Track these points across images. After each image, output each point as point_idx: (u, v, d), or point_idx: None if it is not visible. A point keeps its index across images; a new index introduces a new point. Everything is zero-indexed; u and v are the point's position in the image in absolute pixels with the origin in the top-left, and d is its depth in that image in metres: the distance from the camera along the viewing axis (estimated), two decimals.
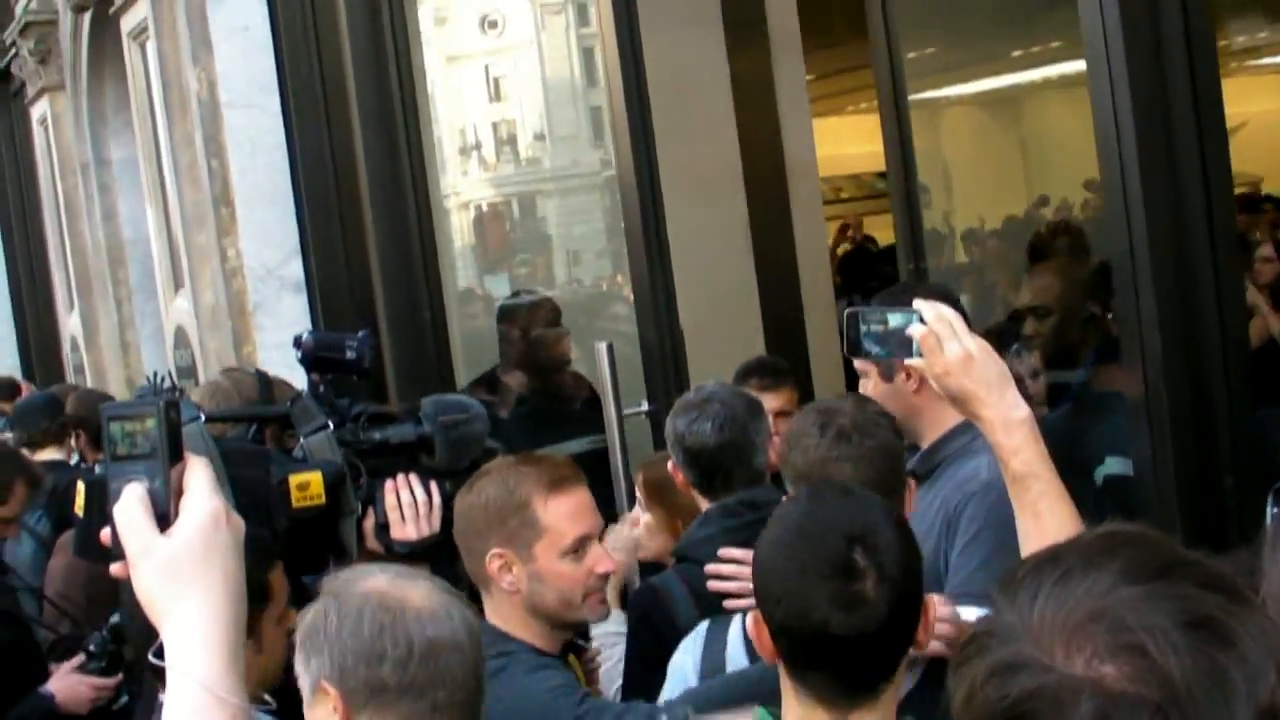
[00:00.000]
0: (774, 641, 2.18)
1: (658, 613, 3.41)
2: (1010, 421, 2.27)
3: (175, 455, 1.63)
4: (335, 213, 6.15)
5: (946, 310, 2.35)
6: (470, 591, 3.11)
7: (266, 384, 4.37)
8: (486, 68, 17.99)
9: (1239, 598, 1.28)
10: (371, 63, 5.87)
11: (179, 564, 1.58)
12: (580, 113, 18.78)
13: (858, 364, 3.35)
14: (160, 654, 1.58)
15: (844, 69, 13.63)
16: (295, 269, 6.30)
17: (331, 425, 3.22)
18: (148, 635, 1.66)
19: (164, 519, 1.61)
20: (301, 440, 3.22)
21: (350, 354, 3.38)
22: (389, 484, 3.24)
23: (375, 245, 6.04)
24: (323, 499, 3.07)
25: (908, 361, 2.39)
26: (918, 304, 2.35)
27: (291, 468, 3.11)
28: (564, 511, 2.92)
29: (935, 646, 2.39)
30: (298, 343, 3.40)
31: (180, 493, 1.62)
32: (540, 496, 2.92)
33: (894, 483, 2.84)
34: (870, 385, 3.34)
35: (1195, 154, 3.37)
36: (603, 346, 4.73)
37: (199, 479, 1.63)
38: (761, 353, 5.15)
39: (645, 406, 4.82)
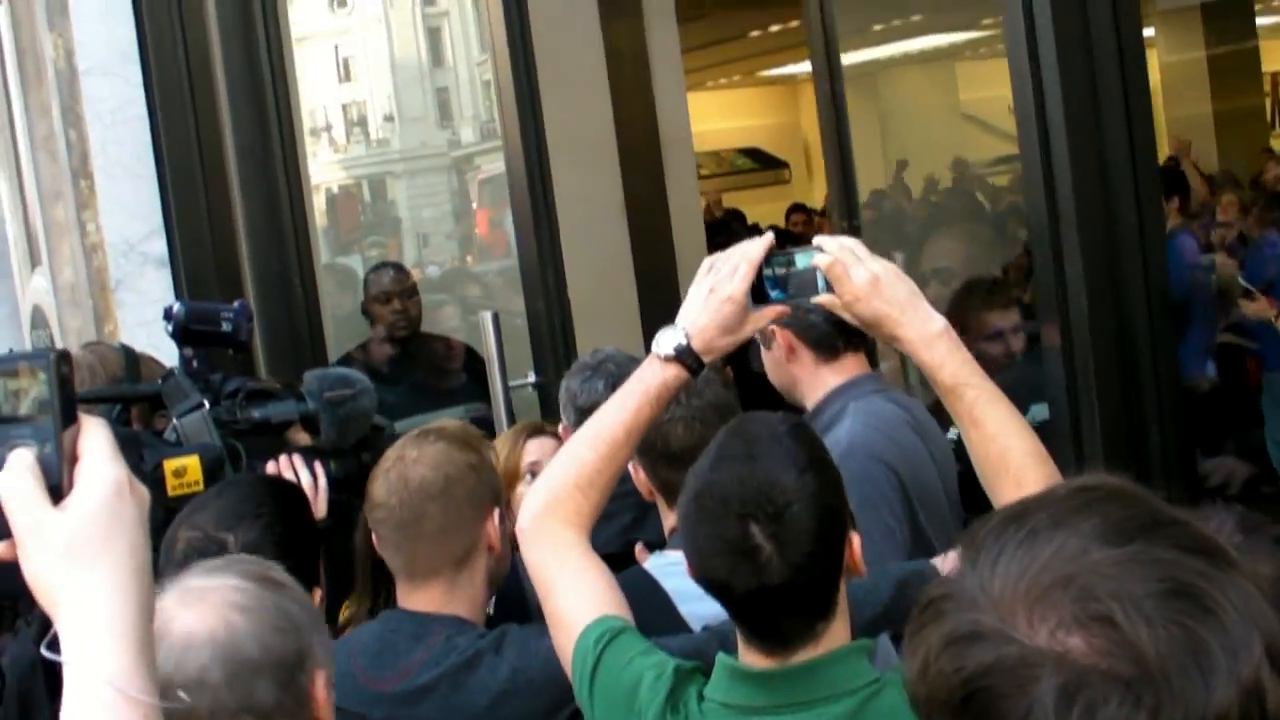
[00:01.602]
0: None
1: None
2: (929, 336, 2.27)
3: (69, 417, 1.40)
4: (200, 186, 5.99)
5: (848, 240, 2.36)
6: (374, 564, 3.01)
7: (133, 360, 4.12)
8: (336, 47, 17.78)
9: (1222, 561, 1.17)
10: (238, 30, 5.73)
11: (77, 542, 1.34)
12: (428, 94, 18.66)
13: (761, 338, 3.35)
14: (54, 647, 1.34)
15: (706, 44, 13.65)
16: (158, 244, 6.12)
17: (206, 404, 3.10)
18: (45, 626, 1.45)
19: (56, 490, 1.37)
20: (174, 421, 3.08)
21: (226, 326, 3.22)
22: (270, 466, 3.11)
23: (243, 219, 5.90)
24: (201, 485, 2.94)
25: (815, 299, 2.38)
26: (818, 240, 2.35)
27: (166, 452, 2.97)
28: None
29: None
30: (168, 314, 3.24)
31: (75, 459, 1.38)
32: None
33: None
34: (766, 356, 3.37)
35: (1120, 108, 3.43)
36: (488, 316, 4.68)
37: (97, 443, 1.40)
38: (637, 323, 5.14)
39: (532, 378, 4.77)
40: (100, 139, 6.07)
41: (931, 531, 3.32)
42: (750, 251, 2.38)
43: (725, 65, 17.03)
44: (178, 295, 5.98)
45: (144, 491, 1.41)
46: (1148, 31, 12.11)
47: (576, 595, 2.37)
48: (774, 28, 14.55)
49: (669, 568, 2.81)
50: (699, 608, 2.68)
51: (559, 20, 5.69)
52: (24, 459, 1.37)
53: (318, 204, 11.12)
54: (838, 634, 2.18)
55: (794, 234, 12.80)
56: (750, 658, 2.19)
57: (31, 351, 1.44)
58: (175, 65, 5.84)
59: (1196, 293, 8.10)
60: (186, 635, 1.95)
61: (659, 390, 2.40)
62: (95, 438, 1.40)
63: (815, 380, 3.41)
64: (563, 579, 2.37)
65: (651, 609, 2.68)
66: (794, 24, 14.30)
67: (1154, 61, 13.24)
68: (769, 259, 2.38)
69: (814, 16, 6.12)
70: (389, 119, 17.21)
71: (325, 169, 13.80)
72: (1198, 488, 4.18)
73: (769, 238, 2.41)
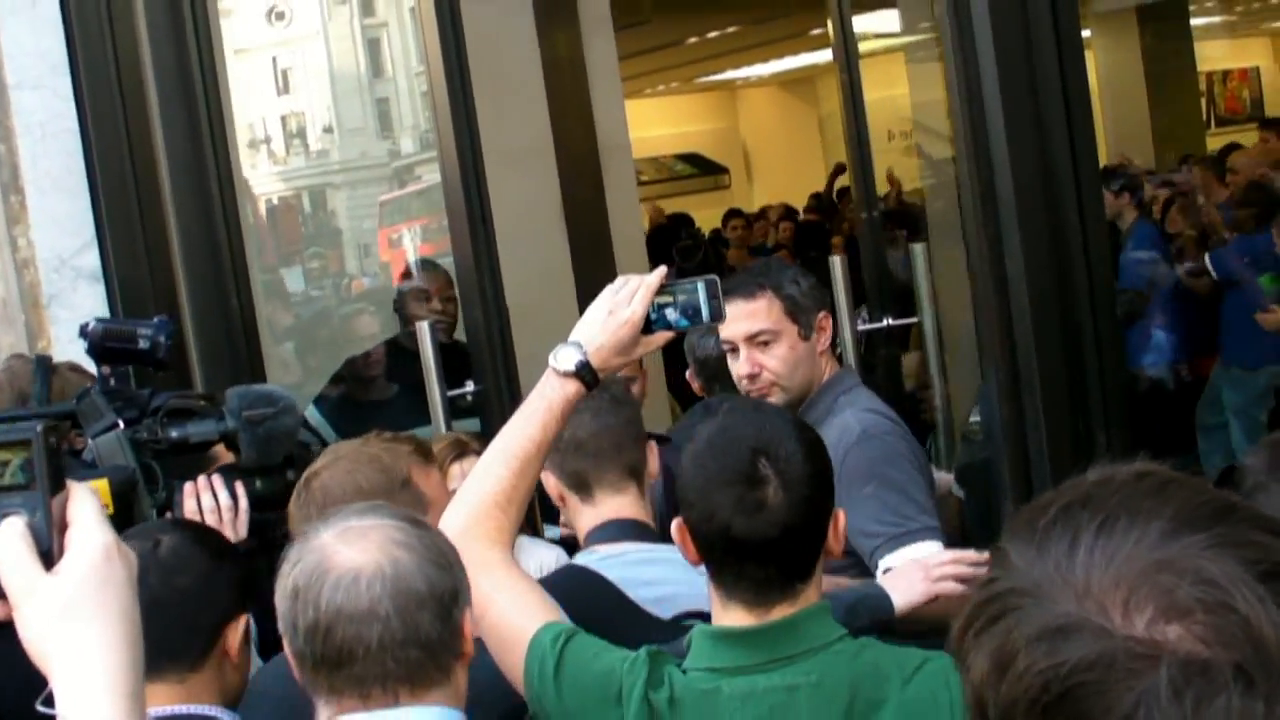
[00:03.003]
0: (694, 545, 2.37)
1: None
2: None
3: (57, 485, 1.49)
4: (133, 199, 5.90)
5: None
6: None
7: (45, 373, 3.97)
8: (274, 59, 17.69)
9: None
10: (169, 42, 5.64)
11: (71, 604, 1.44)
12: (367, 105, 18.61)
13: (761, 335, 3.52)
14: (50, 703, 1.44)
15: (646, 50, 13.64)
16: (91, 258, 6.02)
17: (122, 423, 3.00)
18: (29, 685, 1.52)
19: (47, 555, 1.46)
20: (89, 441, 3.01)
21: (143, 343, 3.11)
22: (188, 487, 3.03)
23: (177, 232, 5.80)
24: (111, 508, 2.85)
25: (702, 325, 2.69)
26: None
27: (76, 474, 2.89)
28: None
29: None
30: (83, 332, 3.17)
31: (64, 527, 1.48)
32: None
33: (629, 436, 3.01)
34: (784, 349, 3.50)
35: (1061, 109, 3.46)
36: (424, 325, 4.65)
37: (85, 510, 1.49)
38: None
39: (471, 387, 4.72)
40: (30, 153, 5.97)
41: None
42: (649, 279, 2.59)
43: (664, 72, 17.04)
44: (112, 310, 5.88)
45: (131, 555, 1.51)
46: (1084, 33, 12.15)
47: (515, 608, 2.45)
48: (712, 34, 14.56)
49: (604, 562, 2.88)
50: (643, 593, 2.80)
51: (496, 29, 5.67)
52: (15, 527, 1.45)
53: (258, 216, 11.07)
54: (811, 599, 2.36)
55: (730, 240, 12.87)
56: (730, 618, 2.35)
57: (18, 426, 1.52)
58: (106, 78, 5.75)
59: (1159, 283, 8.18)
60: (355, 569, 2.08)
61: (562, 405, 2.56)
62: (83, 504, 1.50)
63: (825, 369, 3.61)
64: (497, 596, 2.44)
65: (604, 600, 2.74)
66: (732, 30, 14.32)
67: (1090, 64, 13.31)
68: (661, 288, 2.59)
69: (832, 8, 6.26)
70: (328, 130, 17.13)
71: (265, 181, 13.70)
72: None
73: (663, 269, 2.64)
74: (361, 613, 2.06)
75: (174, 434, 3.03)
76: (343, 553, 2.10)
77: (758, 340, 3.52)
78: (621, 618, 2.76)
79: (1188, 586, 1.06)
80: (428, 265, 6.26)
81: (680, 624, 2.74)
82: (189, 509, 2.98)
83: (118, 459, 2.93)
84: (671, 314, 2.59)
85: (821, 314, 3.60)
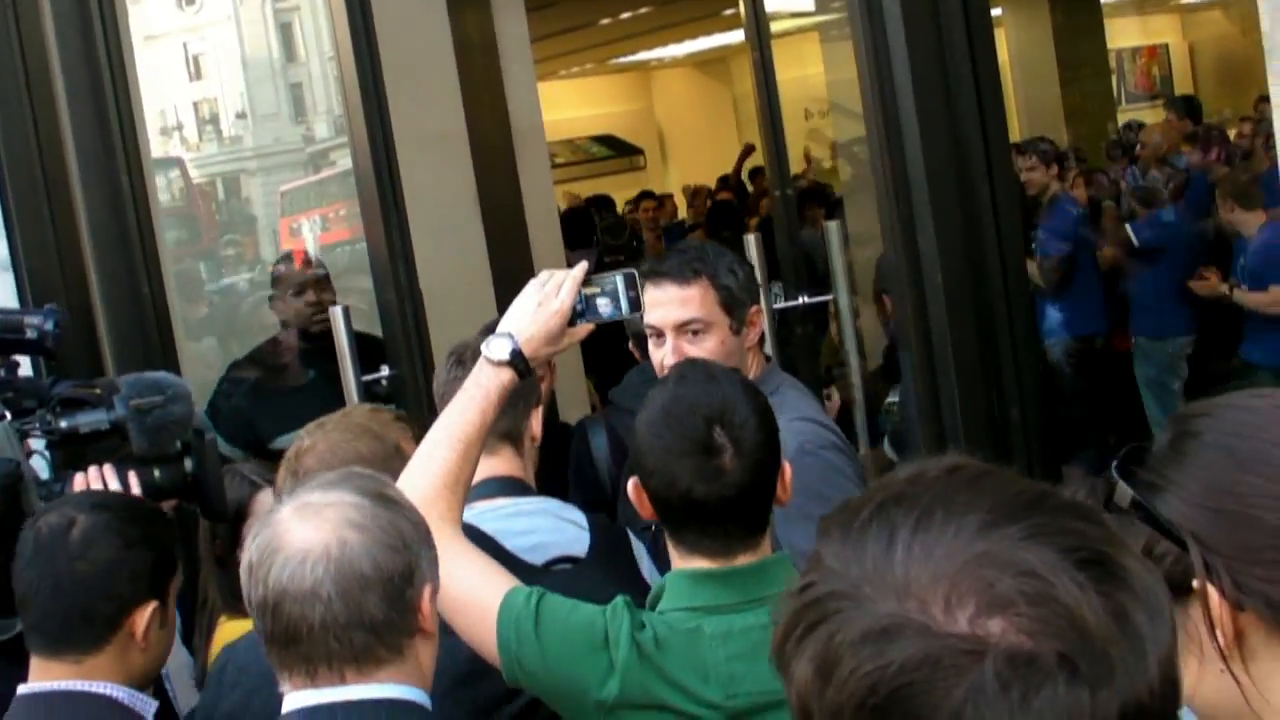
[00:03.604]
0: (652, 506, 2.50)
1: (582, 448, 4.10)
2: None
3: None
4: (41, 187, 5.82)
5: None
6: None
7: None
8: (185, 45, 17.49)
9: (1113, 530, 1.11)
10: (75, 29, 5.57)
11: None
12: (280, 90, 18.41)
13: (693, 324, 3.38)
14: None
15: (559, 31, 13.61)
16: (0, 248, 5.96)
17: (9, 414, 2.95)
18: None
19: None
20: None
21: (31, 333, 3.02)
22: (78, 478, 2.96)
23: (87, 220, 5.73)
24: None
25: (626, 315, 2.81)
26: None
27: None
28: None
29: None
30: None
31: None
32: None
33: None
34: (714, 343, 3.37)
35: (971, 86, 3.47)
36: (338, 310, 4.63)
37: None
38: (495, 315, 5.10)
39: (386, 372, 4.71)
40: None
41: None
42: (575, 273, 2.74)
43: (577, 53, 17.00)
44: (21, 298, 5.82)
45: None
46: (995, 12, 12.26)
47: (477, 580, 2.55)
48: (624, 15, 14.54)
49: (480, 515, 2.98)
50: (517, 542, 2.95)
51: (406, 13, 5.64)
52: None
53: (167, 203, 10.97)
54: (768, 549, 2.52)
55: (642, 220, 12.88)
56: (695, 564, 2.49)
57: None
58: (11, 66, 5.67)
59: (1082, 252, 8.29)
60: (304, 549, 2.10)
61: (498, 392, 2.69)
62: None
63: (751, 365, 3.49)
64: (456, 570, 2.51)
65: (482, 549, 2.75)
66: (644, 10, 14.30)
67: (1001, 42, 13.40)
68: (586, 280, 2.74)
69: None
70: (241, 116, 17.01)
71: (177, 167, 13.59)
72: (1060, 467, 4.23)
73: (584, 264, 2.78)
74: (304, 593, 2.08)
75: (64, 424, 2.96)
76: (294, 531, 2.12)
77: (687, 329, 3.37)
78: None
79: (1009, 579, 1.05)
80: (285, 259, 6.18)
81: (551, 569, 2.93)
82: None
83: (4, 451, 2.87)
84: (599, 305, 2.75)
85: (754, 308, 3.47)
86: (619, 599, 2.49)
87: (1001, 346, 3.81)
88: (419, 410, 4.28)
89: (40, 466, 3.07)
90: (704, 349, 3.31)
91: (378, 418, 3.12)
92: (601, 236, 9.78)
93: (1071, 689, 1.03)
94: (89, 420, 2.96)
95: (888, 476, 1.19)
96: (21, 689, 2.64)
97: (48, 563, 2.64)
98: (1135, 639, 1.06)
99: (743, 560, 2.48)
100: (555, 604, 2.50)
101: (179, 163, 13.20)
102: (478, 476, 2.92)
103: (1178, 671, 1.09)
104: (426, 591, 2.19)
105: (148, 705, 2.72)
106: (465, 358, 3.18)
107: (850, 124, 6.26)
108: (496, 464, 3.10)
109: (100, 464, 3.00)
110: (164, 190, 11.17)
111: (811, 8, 7.55)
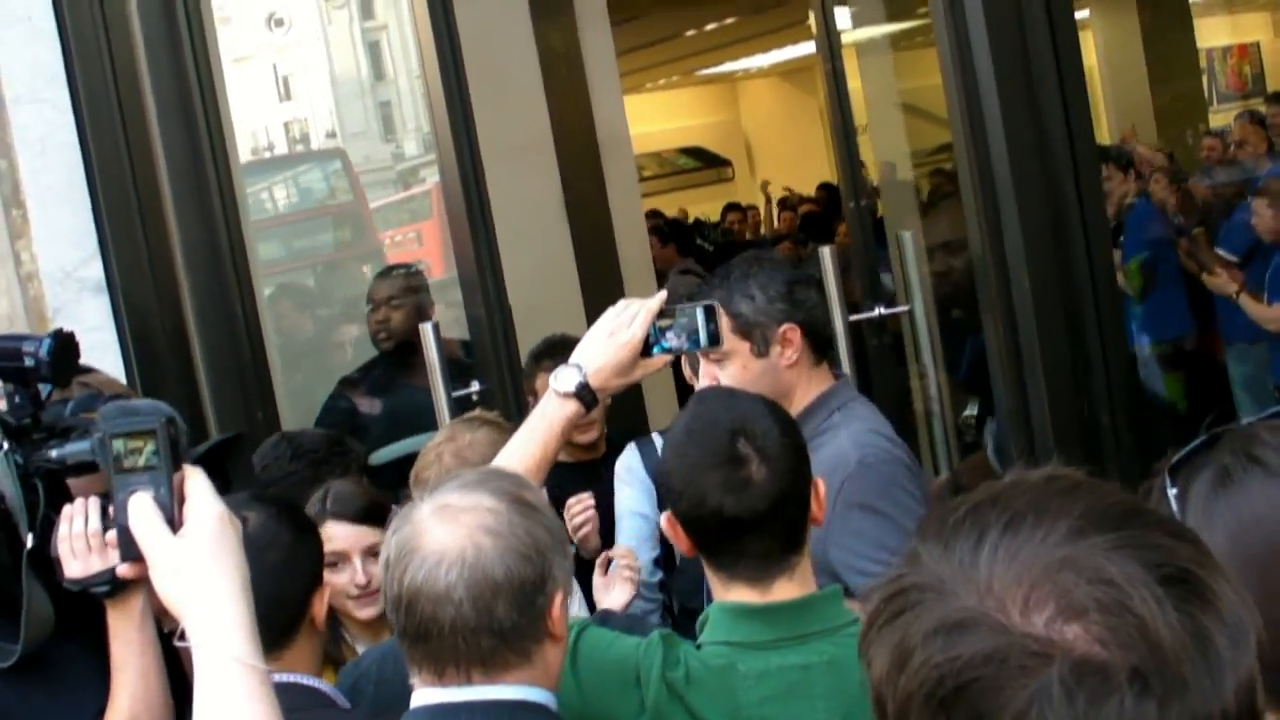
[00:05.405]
0: (687, 534, 2.48)
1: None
2: None
3: (176, 466, 1.89)
4: (135, 210, 5.89)
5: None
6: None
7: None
8: (274, 66, 17.68)
9: (1208, 551, 1.11)
10: (166, 50, 5.63)
11: (200, 559, 1.80)
12: (369, 108, 18.60)
13: (712, 353, 3.32)
14: (183, 637, 1.80)
15: (644, 44, 13.63)
16: (95, 270, 6.01)
17: (7, 444, 2.80)
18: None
19: (171, 524, 1.84)
20: None
21: (28, 361, 2.95)
22: (65, 510, 2.75)
23: (180, 241, 5.79)
24: None
25: (702, 350, 2.85)
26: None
27: None
28: None
29: None
30: None
31: (183, 499, 1.86)
32: None
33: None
34: (736, 369, 3.33)
35: (1056, 89, 3.45)
36: (428, 327, 4.65)
37: (200, 486, 1.87)
38: (584, 327, 5.10)
39: (477, 387, 4.72)
40: (31, 167, 5.96)
41: None
42: (650, 304, 2.69)
43: (663, 66, 17.01)
44: (117, 321, 5.89)
45: (238, 522, 1.88)
46: (1082, 14, 12.13)
47: None
48: (710, 26, 14.55)
49: None
50: None
51: (491, 26, 5.67)
52: (145, 501, 1.86)
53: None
54: (808, 573, 2.49)
55: (731, 231, 12.95)
56: (735, 595, 2.46)
57: (145, 417, 1.95)
58: (104, 89, 5.74)
59: (1162, 254, 8.17)
60: (439, 551, 2.17)
61: (562, 424, 2.67)
62: (198, 482, 1.88)
63: (808, 385, 3.40)
64: None
65: None
66: (730, 21, 14.29)
67: (1089, 43, 13.27)
68: (661, 312, 2.69)
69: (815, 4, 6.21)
70: (331, 135, 17.16)
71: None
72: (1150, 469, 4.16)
73: (663, 294, 2.73)
74: (438, 595, 2.15)
75: (53, 454, 2.74)
76: (432, 532, 2.19)
77: (708, 356, 3.38)
78: None
79: (1086, 586, 1.05)
80: (381, 274, 6.24)
81: None
82: (60, 535, 2.67)
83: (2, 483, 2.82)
84: (671, 338, 2.69)
85: (785, 327, 3.36)
86: (657, 633, 2.49)
87: (1090, 349, 3.75)
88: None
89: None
90: (727, 375, 3.35)
91: (499, 423, 3.38)
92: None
93: (1138, 703, 1.02)
94: (74, 451, 2.85)
95: (990, 483, 1.19)
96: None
97: None
98: (1214, 661, 1.04)
99: (781, 588, 2.45)
100: (594, 639, 2.51)
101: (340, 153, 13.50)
102: None
103: (1257, 701, 1.07)
104: (558, 598, 2.23)
105: (340, 697, 2.77)
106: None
107: (929, 131, 6.21)
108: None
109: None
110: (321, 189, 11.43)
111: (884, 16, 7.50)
